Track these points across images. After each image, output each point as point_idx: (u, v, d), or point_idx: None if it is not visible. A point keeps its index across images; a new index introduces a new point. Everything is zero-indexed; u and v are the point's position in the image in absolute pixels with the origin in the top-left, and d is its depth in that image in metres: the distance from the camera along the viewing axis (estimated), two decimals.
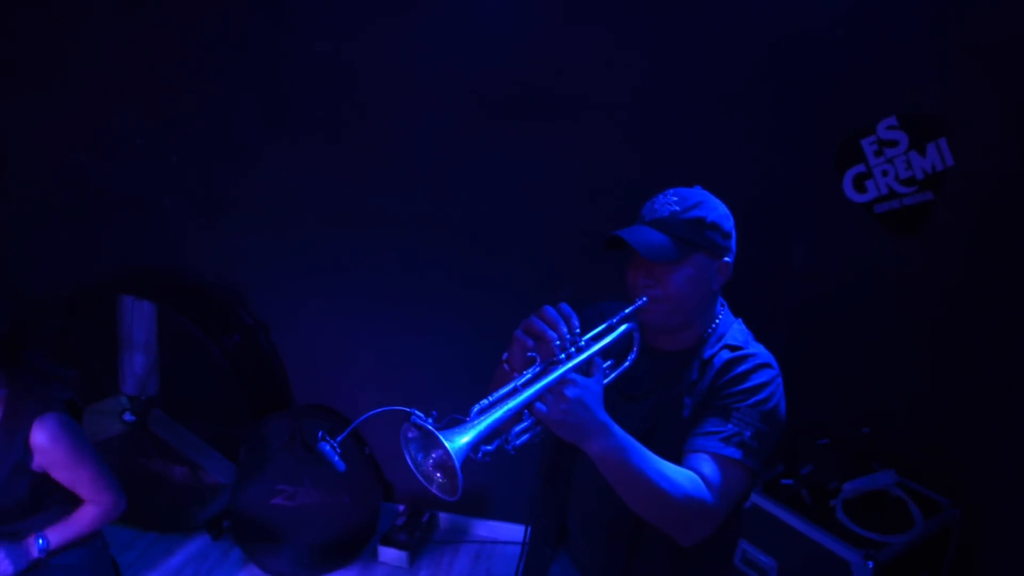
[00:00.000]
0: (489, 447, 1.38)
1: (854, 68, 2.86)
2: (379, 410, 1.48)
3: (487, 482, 3.65)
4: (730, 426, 1.58)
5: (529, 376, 1.46)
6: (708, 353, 1.69)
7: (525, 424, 1.47)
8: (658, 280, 1.64)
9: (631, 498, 1.49)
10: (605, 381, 1.62)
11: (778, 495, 2.91)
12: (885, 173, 2.93)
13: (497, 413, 1.36)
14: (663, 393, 1.70)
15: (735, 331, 1.74)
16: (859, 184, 2.97)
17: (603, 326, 1.60)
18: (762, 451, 1.58)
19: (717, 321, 1.74)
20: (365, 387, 3.53)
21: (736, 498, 1.59)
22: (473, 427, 1.33)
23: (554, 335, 1.48)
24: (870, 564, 2.62)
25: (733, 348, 1.68)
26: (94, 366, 3.39)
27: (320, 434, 1.40)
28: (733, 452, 1.55)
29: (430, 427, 1.30)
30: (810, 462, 2.99)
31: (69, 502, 2.43)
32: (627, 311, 1.64)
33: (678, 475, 1.49)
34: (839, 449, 2.98)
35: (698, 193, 1.71)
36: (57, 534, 2.37)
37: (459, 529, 3.72)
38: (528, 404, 1.42)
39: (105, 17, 3.25)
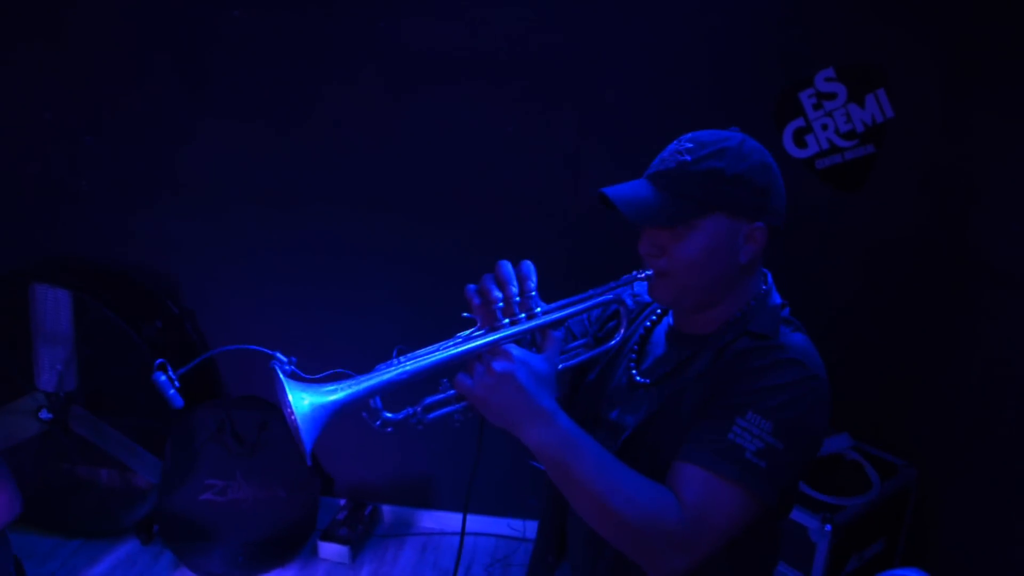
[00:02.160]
0: (395, 416, 1.22)
1: (789, 18, 2.80)
2: (237, 347, 1.31)
3: (432, 471, 3.50)
4: (729, 436, 1.22)
5: (459, 341, 1.22)
6: (726, 340, 1.35)
7: (441, 397, 1.26)
8: (662, 250, 1.33)
9: (579, 508, 1.23)
10: (570, 362, 1.40)
11: None
12: (825, 127, 2.87)
13: (384, 377, 1.15)
14: (671, 384, 1.38)
15: (769, 316, 1.37)
16: (799, 139, 2.89)
17: (580, 296, 1.33)
18: (774, 474, 1.22)
19: (752, 303, 1.39)
20: (301, 372, 3.35)
21: (727, 529, 1.22)
22: (342, 388, 1.13)
23: (498, 295, 1.22)
24: (827, 528, 2.52)
25: (756, 336, 1.33)
26: (5, 362, 3.18)
27: (158, 362, 1.20)
28: (726, 469, 1.20)
29: (282, 376, 1.12)
30: None
31: None
32: (624, 280, 1.35)
33: (640, 489, 1.20)
34: None
35: (724, 137, 1.33)
36: None
37: (403, 522, 3.55)
38: (438, 371, 1.20)
39: None
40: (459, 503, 3.48)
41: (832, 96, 2.84)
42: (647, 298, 1.49)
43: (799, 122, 2.88)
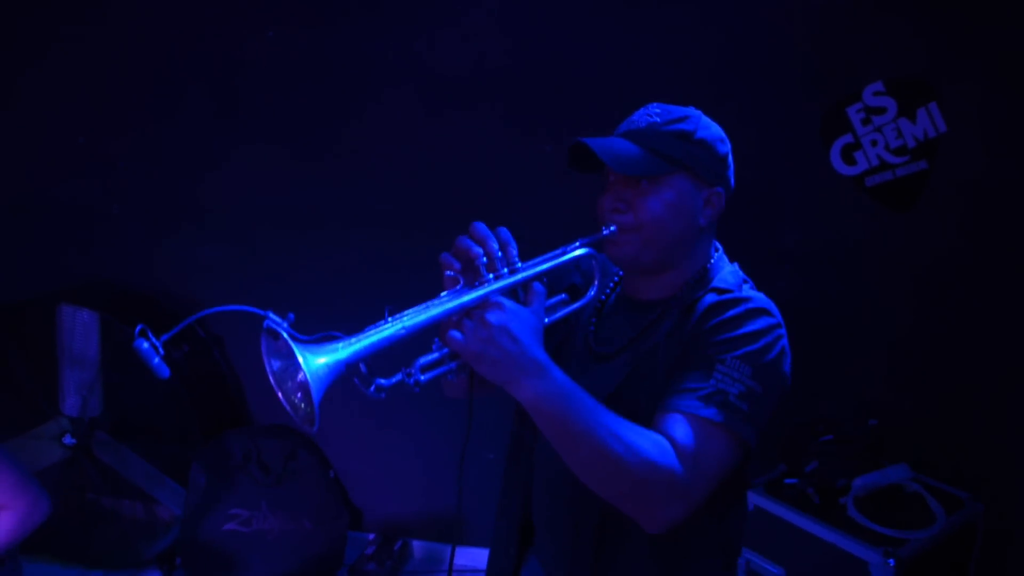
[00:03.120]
0: (387, 381, 1.17)
1: (835, 32, 2.71)
2: (225, 307, 1.24)
3: (464, 505, 3.36)
4: (711, 382, 1.25)
5: (446, 298, 1.22)
6: (692, 298, 1.40)
7: (434, 356, 1.23)
8: (629, 204, 1.37)
9: (576, 463, 1.21)
10: (554, 317, 1.38)
11: (782, 496, 2.63)
12: (875, 143, 2.76)
13: (380, 334, 1.12)
14: (637, 349, 1.41)
15: (727, 274, 1.44)
16: (847, 156, 2.78)
17: (553, 252, 1.35)
18: (754, 416, 1.26)
19: (708, 265, 1.45)
20: (328, 402, 3.24)
21: (718, 473, 1.25)
22: (347, 346, 1.10)
23: (479, 251, 1.24)
24: (891, 562, 2.34)
25: (722, 291, 1.39)
26: (31, 386, 3.13)
27: (139, 328, 1.12)
28: (713, 413, 1.23)
29: (286, 334, 1.07)
30: (814, 459, 2.73)
31: None
32: (588, 239, 1.39)
33: (638, 436, 1.19)
34: (845, 444, 2.72)
35: (687, 110, 1.43)
36: None
37: (434, 558, 3.41)
38: (432, 327, 1.18)
39: (43, 10, 3.10)
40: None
41: (881, 111, 2.73)
42: (592, 293, 1.47)
43: (847, 138, 2.77)
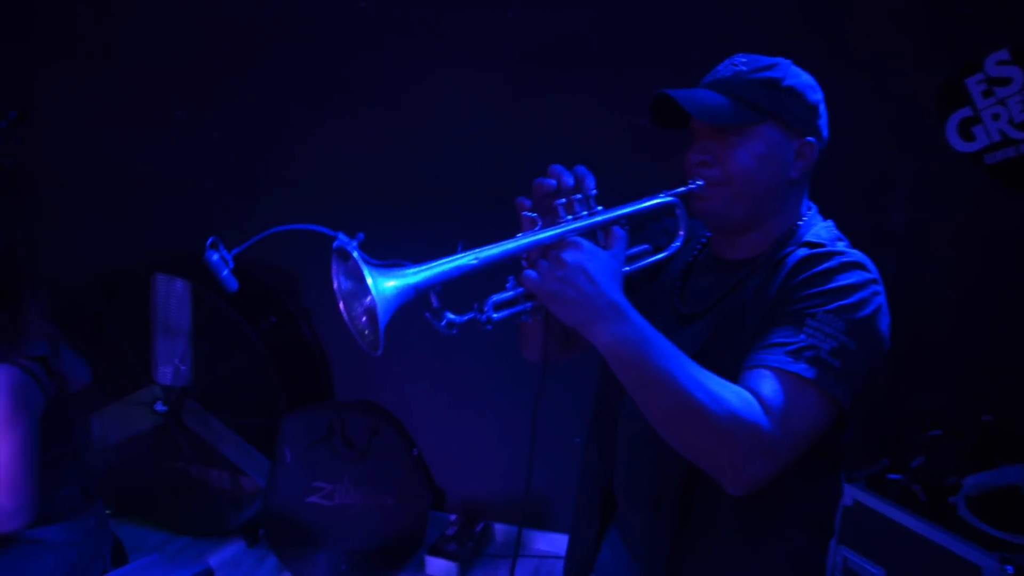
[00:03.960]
0: (459, 318, 1.13)
1: None
2: (297, 226, 1.24)
3: (548, 490, 3.29)
4: (802, 337, 1.17)
5: (521, 236, 1.18)
6: (781, 254, 1.32)
7: (508, 295, 1.18)
8: (716, 157, 1.30)
9: (656, 414, 1.15)
10: (635, 266, 1.33)
11: (886, 491, 2.47)
12: (996, 117, 2.56)
13: (452, 263, 1.10)
14: (724, 308, 1.34)
15: (820, 229, 1.35)
16: (965, 131, 2.59)
17: (636, 201, 1.29)
18: (847, 374, 1.17)
19: (799, 222, 1.36)
20: (414, 382, 3.24)
21: (807, 433, 1.17)
22: (418, 272, 1.07)
23: (554, 184, 1.21)
24: (1009, 569, 2.16)
25: (814, 245, 1.30)
26: (128, 354, 3.21)
27: (209, 240, 1.11)
28: (802, 368, 1.15)
29: (357, 255, 1.05)
30: (921, 454, 2.56)
31: None
32: (675, 192, 1.32)
33: (722, 388, 1.13)
34: (956, 440, 2.55)
35: (776, 59, 1.35)
36: None
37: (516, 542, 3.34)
38: (506, 263, 1.14)
39: None
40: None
41: (1005, 82, 2.53)
42: (677, 245, 1.40)
43: (965, 112, 2.58)
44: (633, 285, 1.41)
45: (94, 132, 3.40)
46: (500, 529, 3.41)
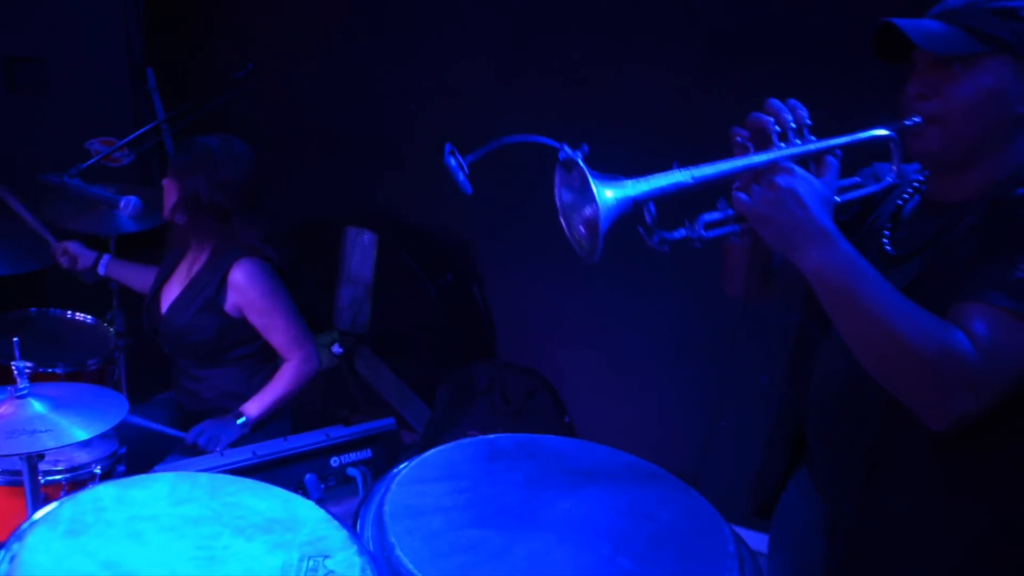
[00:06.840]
0: (671, 235, 1.19)
1: None
2: (524, 137, 1.29)
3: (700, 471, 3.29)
4: (1018, 273, 1.11)
5: (735, 159, 1.22)
6: (1003, 191, 1.23)
7: (719, 216, 1.23)
8: (936, 90, 1.23)
9: (860, 341, 1.16)
10: (845, 196, 1.34)
11: None
12: None
13: (668, 179, 1.15)
14: (935, 250, 1.28)
15: None
16: None
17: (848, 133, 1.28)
18: None
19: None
20: (571, 348, 3.34)
21: (1018, 370, 1.11)
22: (636, 184, 1.14)
23: (771, 119, 1.22)
24: None
25: None
26: (313, 299, 3.47)
27: (448, 147, 1.20)
28: (1016, 304, 1.10)
29: (583, 165, 1.13)
30: None
31: (250, 365, 2.45)
32: (891, 125, 1.28)
33: (928, 318, 1.11)
34: None
35: None
36: (255, 405, 2.38)
37: None
38: (719, 183, 1.19)
39: None
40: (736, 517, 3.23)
41: None
42: (890, 180, 1.39)
43: None
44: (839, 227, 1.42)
45: (303, 97, 3.71)
46: None
